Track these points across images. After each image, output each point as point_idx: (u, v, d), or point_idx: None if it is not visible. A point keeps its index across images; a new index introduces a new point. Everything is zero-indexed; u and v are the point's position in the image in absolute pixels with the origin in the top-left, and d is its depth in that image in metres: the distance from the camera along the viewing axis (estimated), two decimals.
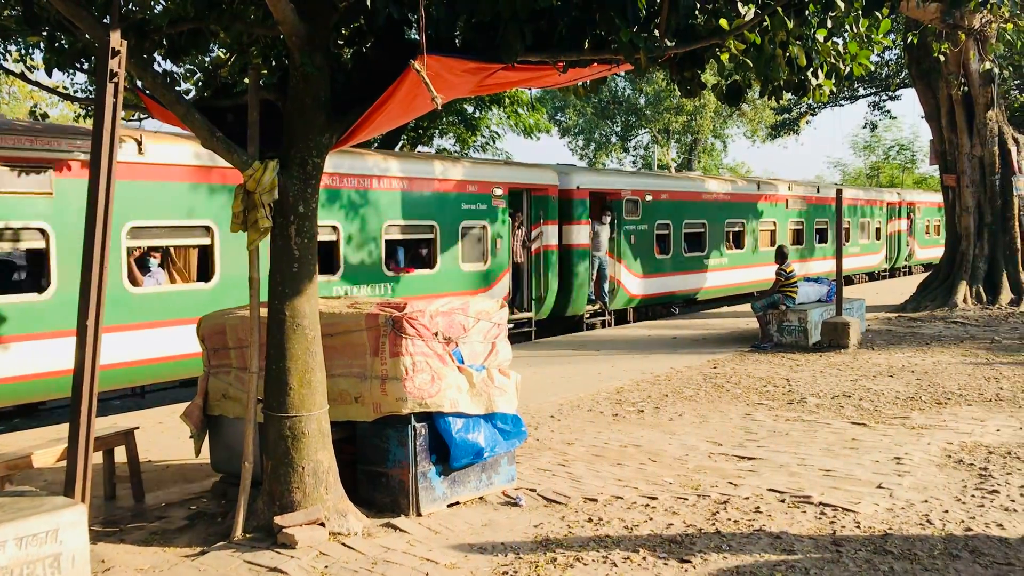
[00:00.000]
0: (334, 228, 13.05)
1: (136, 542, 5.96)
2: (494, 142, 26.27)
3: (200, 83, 8.58)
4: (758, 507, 6.41)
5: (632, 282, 19.58)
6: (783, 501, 6.54)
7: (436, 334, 6.38)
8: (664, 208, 20.35)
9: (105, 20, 5.74)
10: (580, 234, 17.68)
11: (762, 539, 5.77)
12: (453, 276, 14.88)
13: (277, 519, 5.80)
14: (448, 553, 5.60)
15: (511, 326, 15.20)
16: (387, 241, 13.91)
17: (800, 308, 14.90)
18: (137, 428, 7.15)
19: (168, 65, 8.41)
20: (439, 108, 5.69)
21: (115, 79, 5.13)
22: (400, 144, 22.76)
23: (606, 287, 18.81)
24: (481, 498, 6.69)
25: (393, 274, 13.99)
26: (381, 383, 6.26)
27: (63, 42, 7.67)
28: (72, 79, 20.24)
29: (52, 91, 8.37)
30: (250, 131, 6.04)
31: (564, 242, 17.37)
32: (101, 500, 6.92)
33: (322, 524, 5.83)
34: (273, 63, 7.99)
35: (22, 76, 8.01)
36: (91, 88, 15.59)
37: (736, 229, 23.38)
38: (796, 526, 6.01)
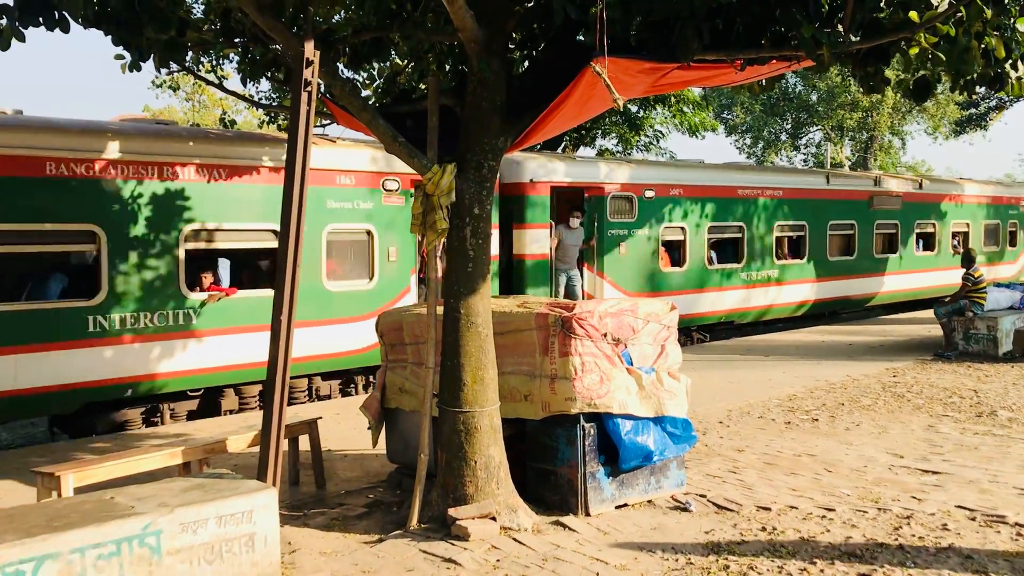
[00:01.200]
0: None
1: (319, 526, 6.28)
2: (658, 141, 26.00)
3: (379, 90, 8.96)
4: (945, 524, 6.07)
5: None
6: (974, 519, 6.16)
7: (605, 335, 6.39)
8: (676, 207, 15.92)
9: (296, 31, 6.10)
10: (536, 241, 13.70)
11: (951, 558, 5.46)
12: (310, 298, 10.90)
13: (451, 511, 5.97)
14: (617, 553, 5.60)
15: None
16: (188, 252, 10.16)
17: (989, 315, 13.96)
18: (320, 418, 7.53)
19: (349, 73, 8.82)
20: (619, 109, 5.70)
21: (308, 87, 5.43)
22: (563, 146, 22.95)
23: None
24: (649, 501, 6.65)
25: (196, 297, 10.19)
26: (550, 382, 6.33)
27: (255, 53, 8.19)
28: (256, 88, 21.52)
29: (248, 100, 8.93)
30: (429, 136, 6.24)
31: (515, 252, 13.67)
32: (286, 485, 7.33)
33: (493, 518, 5.96)
34: (448, 69, 8.24)
35: (219, 86, 8.61)
36: (274, 96, 16.54)
37: (796, 234, 18.53)
38: (990, 546, 5.65)
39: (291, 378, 10.16)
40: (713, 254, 16.86)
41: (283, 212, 5.51)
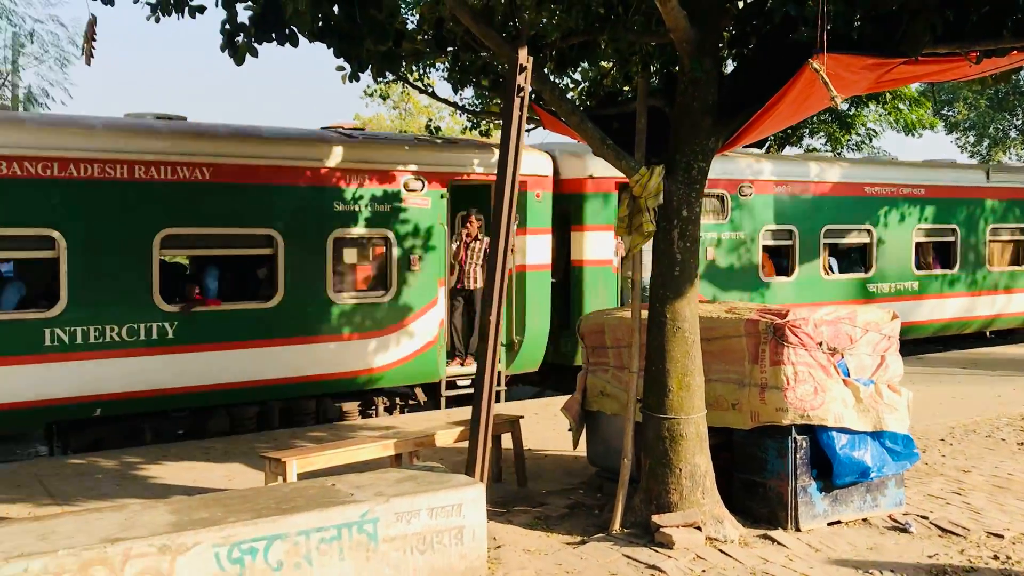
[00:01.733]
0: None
1: (521, 524, 6.38)
2: (870, 140, 24.63)
3: (583, 93, 9.01)
4: None
5: None
6: None
7: (820, 344, 6.12)
8: (782, 207, 13.39)
9: (506, 37, 6.22)
10: (598, 246, 11.83)
11: None
12: (312, 310, 9.90)
13: (655, 518, 5.90)
14: (830, 572, 5.35)
15: (459, 384, 11.16)
16: (160, 261, 9.29)
17: None
18: (522, 417, 7.66)
19: (554, 77, 8.92)
20: (837, 107, 5.45)
21: (521, 93, 5.53)
22: (767, 146, 22.22)
23: None
24: (865, 520, 6.30)
25: (176, 310, 9.23)
26: (760, 391, 6.13)
27: (464, 61, 8.43)
28: (460, 95, 22.23)
29: (459, 107, 9.23)
30: (637, 137, 6.20)
31: (573, 257, 11.86)
32: (490, 482, 7.49)
33: (699, 528, 5.84)
34: (654, 70, 8.16)
35: (432, 94, 8.95)
36: (477, 102, 16.96)
37: (944, 239, 15.57)
38: None
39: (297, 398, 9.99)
40: (832, 262, 14.41)
41: (494, 215, 5.64)
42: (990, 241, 15.99)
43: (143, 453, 8.70)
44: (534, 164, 11.20)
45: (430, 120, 20.53)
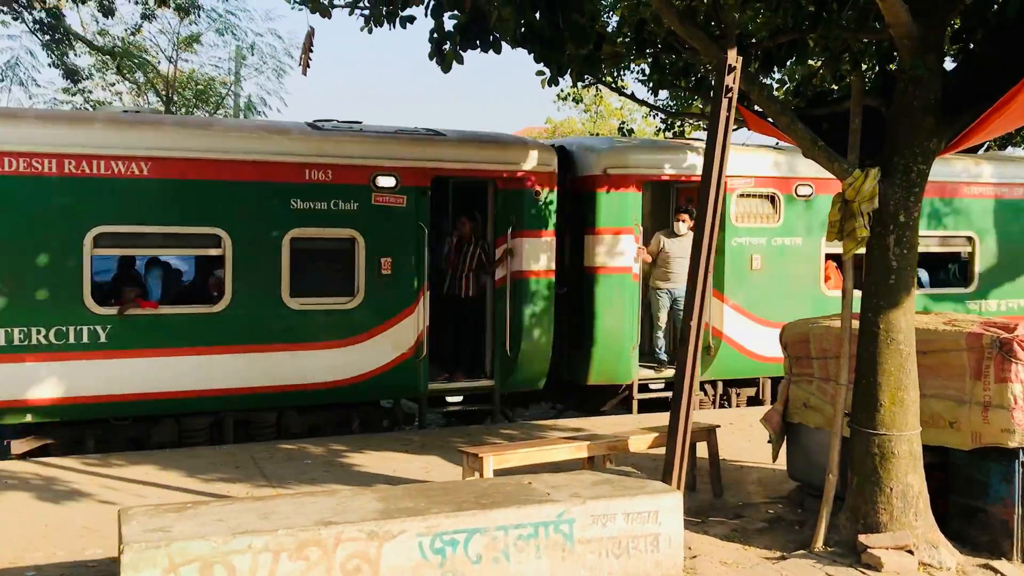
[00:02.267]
0: None
1: (718, 535, 6.24)
2: None
3: (789, 93, 8.71)
4: None
5: (755, 336, 10.88)
6: None
7: None
8: None
9: (711, 38, 6.10)
10: (615, 251, 10.47)
11: None
12: (265, 316, 9.05)
13: (862, 538, 5.61)
14: None
15: (448, 402, 10.54)
16: (94, 259, 8.54)
17: None
18: (719, 427, 7.49)
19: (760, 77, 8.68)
20: None
21: (729, 94, 5.41)
22: (985, 146, 20.63)
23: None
24: None
25: (108, 313, 8.54)
26: (982, 410, 5.70)
27: (664, 63, 8.35)
28: (654, 97, 22.08)
29: (657, 109, 9.15)
30: (851, 139, 5.92)
31: (587, 263, 10.50)
32: (685, 491, 7.38)
33: (911, 551, 5.50)
34: (865, 68, 7.77)
35: (631, 96, 8.92)
36: (671, 104, 16.74)
37: None
38: None
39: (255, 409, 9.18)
40: (922, 274, 11.79)
41: (697, 218, 5.55)
42: None
43: (348, 442, 9.16)
44: (534, 158, 10.05)
45: (623, 123, 20.51)
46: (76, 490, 7.33)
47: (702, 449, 7.45)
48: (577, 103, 22.67)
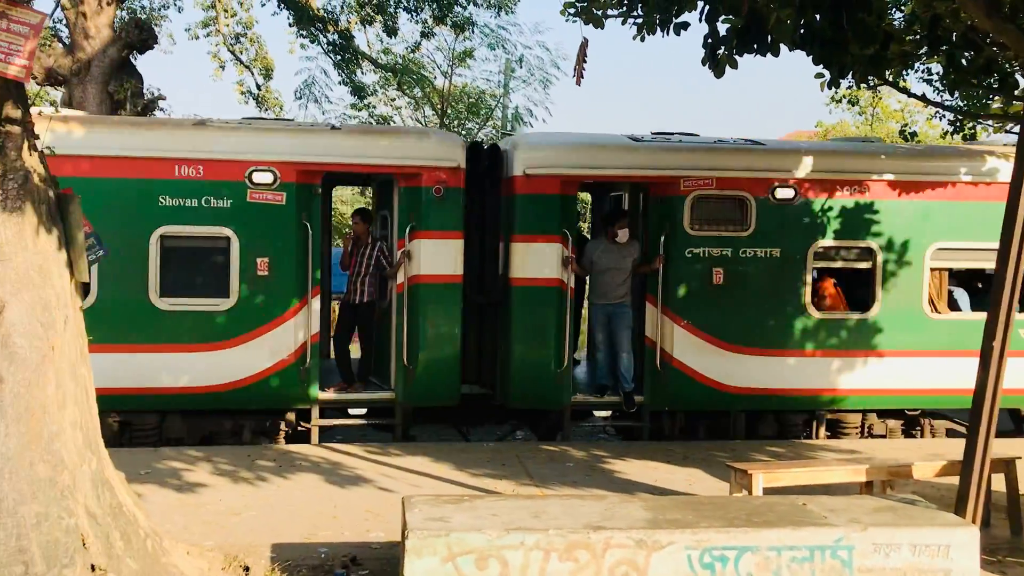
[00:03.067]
0: None
1: None
2: None
3: None
4: None
5: (711, 361, 9.41)
6: None
7: None
8: (849, 216, 9.53)
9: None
10: (537, 261, 9.29)
11: None
12: (133, 315, 8.62)
13: None
14: None
15: (351, 414, 9.97)
16: None
17: None
18: (1019, 458, 6.79)
19: None
20: None
21: None
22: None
23: (625, 362, 9.41)
24: None
25: None
26: None
27: (960, 61, 7.71)
28: (942, 96, 20.42)
29: (951, 109, 8.48)
30: None
31: (511, 274, 9.40)
32: (979, 525, 6.75)
33: None
34: None
35: (922, 97, 8.30)
36: (963, 105, 15.42)
37: None
38: None
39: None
40: (961, 295, 10.35)
41: (1004, 230, 5.06)
42: None
43: (610, 448, 9.25)
44: (433, 152, 9.21)
45: (904, 125, 19.17)
46: (359, 475, 7.92)
47: (997, 481, 6.78)
48: (852, 105, 21.49)
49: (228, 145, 8.85)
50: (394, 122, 23.10)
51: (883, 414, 9.90)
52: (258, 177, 8.74)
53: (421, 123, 22.46)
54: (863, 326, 9.55)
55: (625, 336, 9.38)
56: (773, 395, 9.56)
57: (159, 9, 20.69)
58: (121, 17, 15.41)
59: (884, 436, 9.90)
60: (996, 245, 5.34)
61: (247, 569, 5.23)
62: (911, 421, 10.01)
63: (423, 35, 20.36)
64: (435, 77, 24.65)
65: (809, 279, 9.48)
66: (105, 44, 12.90)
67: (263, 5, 20.19)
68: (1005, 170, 9.06)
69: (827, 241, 9.46)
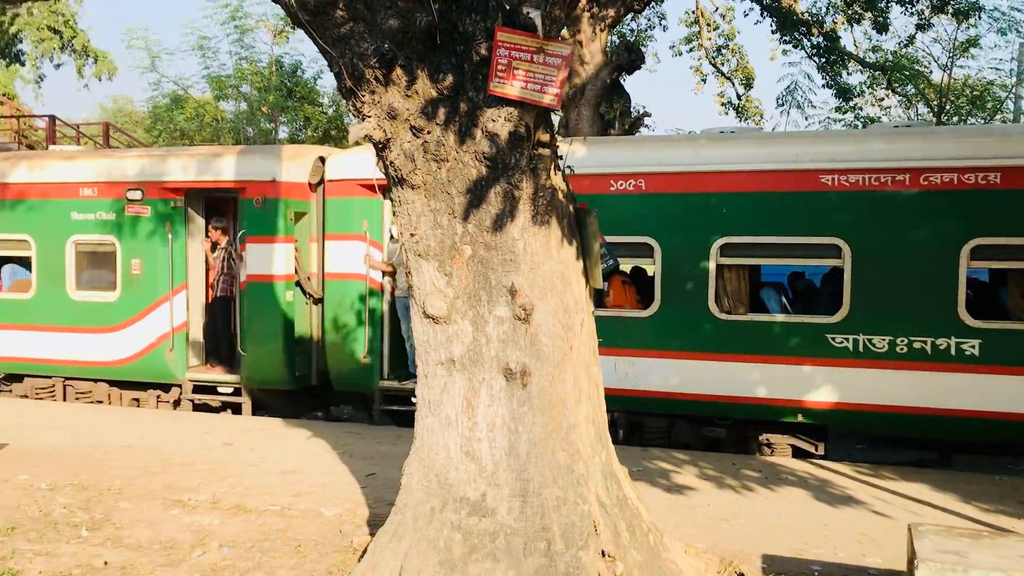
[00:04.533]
0: None
1: None
2: None
3: None
4: None
5: None
6: None
7: None
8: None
9: None
10: (341, 257, 10.72)
11: None
12: (58, 305, 11.56)
13: None
14: None
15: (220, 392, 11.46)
16: None
17: None
18: None
19: None
20: None
21: None
22: None
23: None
24: None
25: None
26: None
27: None
28: None
29: None
30: None
31: (327, 269, 10.77)
32: None
33: None
34: None
35: None
36: None
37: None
38: None
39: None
40: (770, 295, 9.47)
41: None
42: None
43: None
44: (250, 170, 10.84)
45: None
46: (850, 495, 7.56)
47: None
48: None
49: (113, 168, 11.44)
50: (881, 122, 21.73)
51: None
52: (132, 194, 11.21)
53: (914, 120, 20.78)
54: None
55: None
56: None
57: (646, 30, 21.87)
58: (612, 41, 16.56)
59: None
60: None
61: (741, 575, 5.26)
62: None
63: (918, 27, 18.85)
64: (931, 71, 22.74)
65: None
66: (598, 68, 13.93)
67: (746, 15, 20.39)
68: None
69: None
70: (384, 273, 10.56)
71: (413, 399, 12.06)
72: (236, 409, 11.36)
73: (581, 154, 9.20)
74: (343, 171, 10.65)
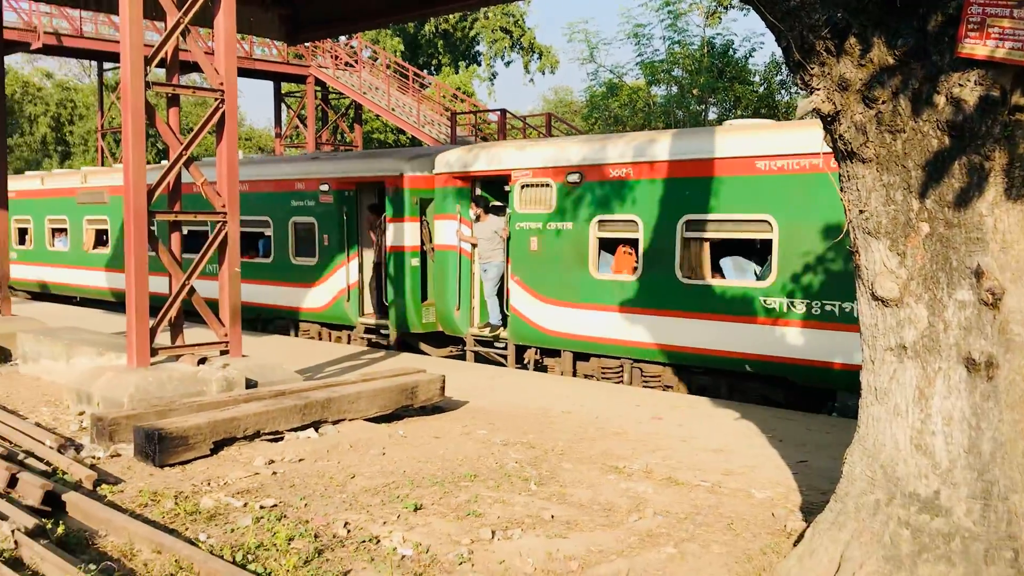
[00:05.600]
0: None
1: None
2: None
3: None
4: None
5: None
6: None
7: None
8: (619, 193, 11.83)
9: None
10: (444, 233, 13.99)
11: None
12: (286, 267, 15.82)
13: None
14: None
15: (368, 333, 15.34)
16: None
17: None
18: None
19: None
20: None
21: None
22: None
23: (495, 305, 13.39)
24: None
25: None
26: None
27: None
28: None
29: None
30: None
31: (435, 242, 14.14)
32: None
33: None
34: None
35: None
36: None
37: None
38: None
39: None
40: (729, 263, 11.27)
41: None
42: None
43: None
44: (385, 167, 14.39)
45: None
46: None
47: None
48: None
49: (312, 170, 15.89)
50: None
51: None
52: (323, 188, 15.30)
53: None
54: None
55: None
56: None
57: None
58: None
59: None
60: None
61: None
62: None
63: None
64: None
65: None
66: None
67: None
68: None
69: None
70: (473, 245, 13.44)
71: (496, 343, 13.92)
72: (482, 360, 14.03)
73: None
74: (443, 167, 13.73)
